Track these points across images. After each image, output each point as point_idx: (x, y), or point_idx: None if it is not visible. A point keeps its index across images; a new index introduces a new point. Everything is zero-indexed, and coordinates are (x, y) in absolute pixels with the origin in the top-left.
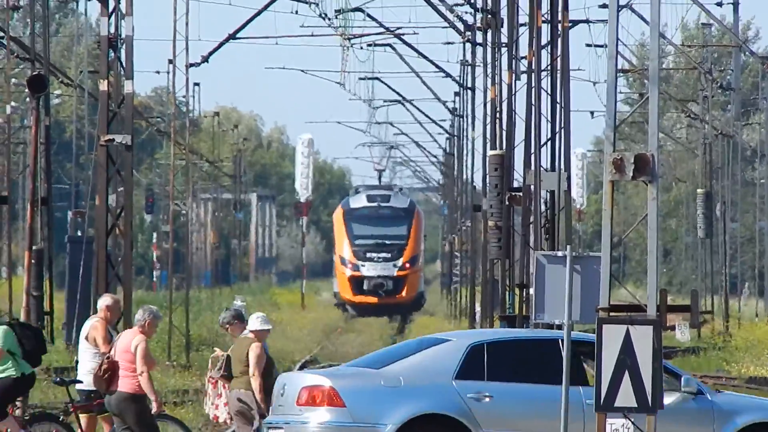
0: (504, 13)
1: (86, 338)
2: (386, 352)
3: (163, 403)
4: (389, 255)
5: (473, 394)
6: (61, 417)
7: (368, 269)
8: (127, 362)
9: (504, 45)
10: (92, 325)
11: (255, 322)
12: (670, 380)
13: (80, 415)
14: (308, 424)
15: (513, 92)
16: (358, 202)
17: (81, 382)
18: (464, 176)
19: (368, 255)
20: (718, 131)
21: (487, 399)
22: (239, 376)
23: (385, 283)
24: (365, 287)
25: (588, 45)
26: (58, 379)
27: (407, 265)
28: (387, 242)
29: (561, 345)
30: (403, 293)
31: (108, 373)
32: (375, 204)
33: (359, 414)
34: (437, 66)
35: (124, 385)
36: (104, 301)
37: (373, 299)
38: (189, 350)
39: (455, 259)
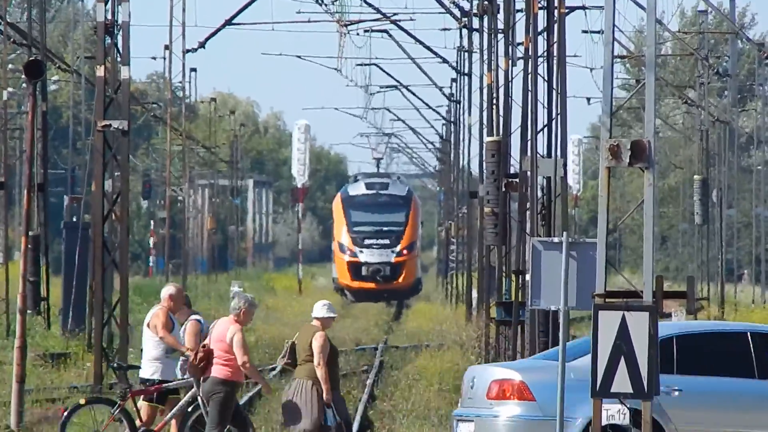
0: None
1: (148, 326)
2: (574, 346)
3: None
4: (387, 241)
5: (663, 387)
6: (118, 402)
7: (366, 255)
8: (220, 350)
9: (500, 31)
10: (155, 313)
11: (320, 309)
12: None
13: (141, 404)
14: (498, 418)
15: (509, 78)
16: (357, 189)
17: (139, 368)
18: (461, 162)
19: (366, 241)
20: (715, 118)
21: (677, 393)
22: (303, 363)
23: (382, 269)
24: (363, 273)
25: (585, 31)
26: (116, 364)
27: (405, 251)
28: (385, 229)
29: (750, 337)
30: (401, 279)
31: (203, 362)
32: (373, 192)
33: (549, 408)
34: (434, 52)
35: (217, 371)
36: (168, 290)
37: (371, 285)
38: None
39: (452, 246)
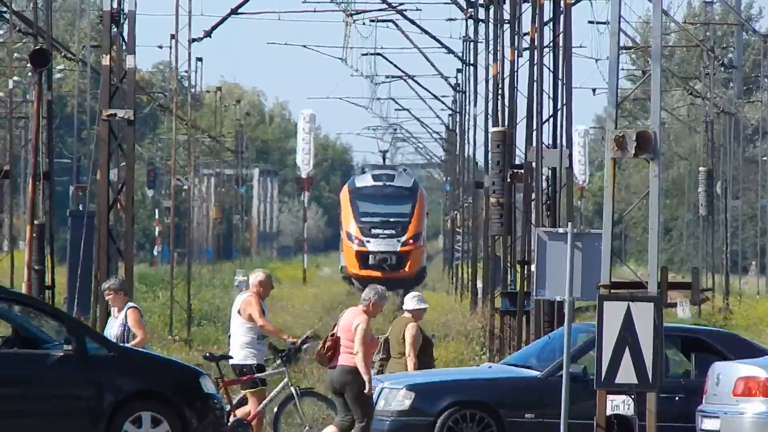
0: None
1: (239, 312)
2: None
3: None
4: (393, 231)
5: None
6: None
7: (373, 245)
8: (347, 340)
9: (506, 21)
10: (245, 300)
11: (411, 301)
12: None
13: (246, 392)
14: (744, 415)
15: (515, 69)
16: (364, 181)
17: (231, 357)
18: (466, 153)
19: (373, 231)
20: (720, 109)
21: None
22: (398, 357)
23: (389, 258)
24: (370, 262)
25: (591, 22)
26: (207, 354)
27: (410, 241)
28: (391, 219)
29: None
30: (407, 268)
31: (330, 350)
32: (380, 183)
33: None
34: (440, 42)
35: (344, 359)
36: (257, 276)
37: (377, 273)
38: (190, 325)
39: (457, 236)
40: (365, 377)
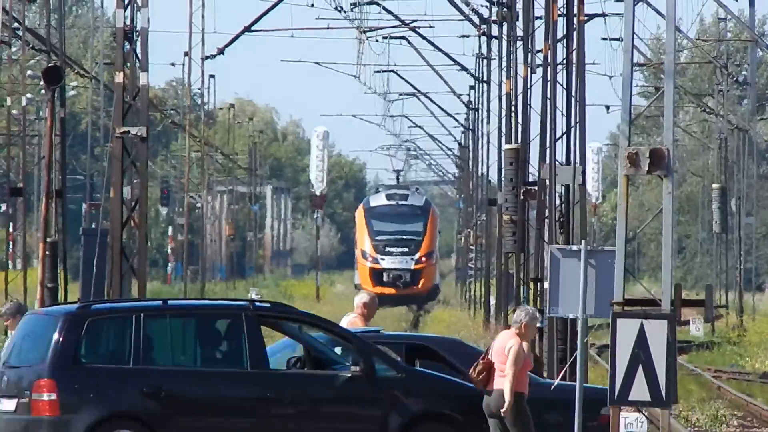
0: (519, 6)
1: None
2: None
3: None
4: (407, 249)
5: None
6: None
7: (387, 262)
8: (501, 363)
9: (519, 38)
10: (351, 322)
11: (519, 314)
12: None
13: None
14: None
15: (528, 86)
16: (378, 200)
17: None
18: (479, 170)
19: (387, 249)
20: (734, 126)
21: None
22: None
23: (402, 275)
24: (384, 279)
25: (604, 39)
26: None
27: (423, 258)
28: (405, 237)
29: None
30: (420, 285)
31: (483, 373)
32: (394, 202)
33: None
34: (452, 59)
35: (500, 383)
36: (361, 297)
37: (391, 290)
38: None
39: (470, 253)
40: (507, 397)
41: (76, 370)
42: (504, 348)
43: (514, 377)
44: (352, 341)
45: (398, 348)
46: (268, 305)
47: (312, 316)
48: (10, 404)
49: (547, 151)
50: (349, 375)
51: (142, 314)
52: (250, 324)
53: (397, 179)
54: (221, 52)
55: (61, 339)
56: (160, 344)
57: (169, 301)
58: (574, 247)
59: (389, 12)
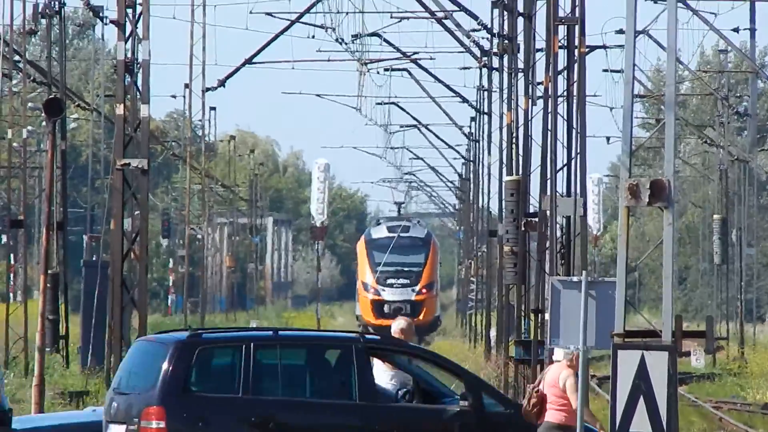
0: (521, 38)
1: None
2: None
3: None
4: (408, 281)
5: None
6: None
7: (389, 294)
8: (554, 395)
9: (520, 70)
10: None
11: (561, 353)
12: None
13: None
14: None
15: (529, 117)
16: (380, 232)
17: None
18: (480, 201)
19: (389, 281)
20: (734, 157)
21: None
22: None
23: (404, 306)
24: (386, 310)
25: (605, 70)
26: None
27: (424, 290)
28: (406, 269)
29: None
30: (421, 316)
31: (536, 407)
32: (395, 234)
33: None
34: (453, 91)
35: (552, 416)
36: (399, 324)
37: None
38: None
39: (471, 285)
40: (594, 425)
41: (186, 398)
42: (557, 380)
43: (581, 404)
44: (461, 375)
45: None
46: (378, 338)
47: (421, 350)
48: (119, 430)
49: (548, 182)
50: (458, 409)
51: (252, 344)
52: (359, 356)
53: (399, 211)
54: (222, 84)
55: (171, 367)
56: (270, 374)
57: (280, 331)
58: (575, 279)
59: (390, 44)
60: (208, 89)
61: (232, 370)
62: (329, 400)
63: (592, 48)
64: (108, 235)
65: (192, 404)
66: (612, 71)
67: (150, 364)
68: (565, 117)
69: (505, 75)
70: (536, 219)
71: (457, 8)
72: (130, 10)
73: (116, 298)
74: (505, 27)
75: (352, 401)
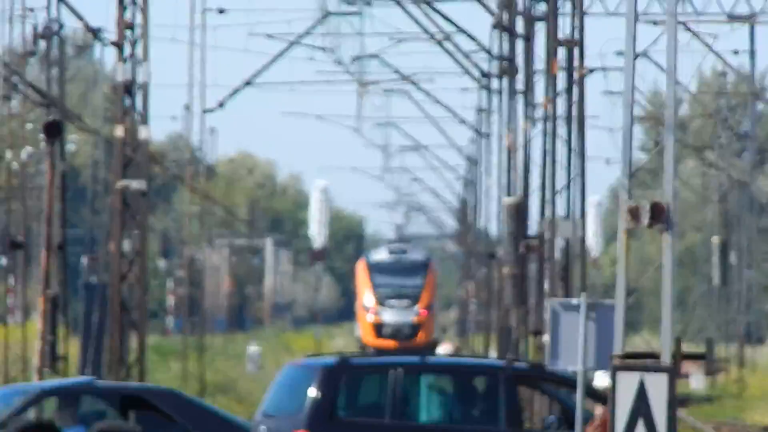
0: (520, 60)
1: None
2: None
3: None
4: (407, 303)
5: None
6: None
7: (388, 315)
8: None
9: (520, 92)
10: None
11: (602, 378)
12: None
13: None
14: None
15: (529, 139)
16: (379, 255)
17: None
18: (479, 223)
19: (388, 303)
20: (734, 179)
21: None
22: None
23: (403, 328)
24: (385, 332)
25: (604, 92)
26: None
27: (423, 311)
28: (405, 291)
29: None
30: (419, 337)
31: (599, 429)
32: (394, 257)
33: None
34: (453, 112)
35: None
36: (446, 348)
37: (392, 343)
38: (204, 396)
39: (470, 307)
40: None
41: (333, 423)
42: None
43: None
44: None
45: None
46: (526, 366)
47: (570, 379)
48: None
49: (548, 204)
50: None
51: (400, 369)
52: (507, 384)
53: (398, 235)
54: (221, 105)
55: (318, 391)
56: (417, 400)
57: (428, 358)
58: (575, 301)
59: (390, 65)
60: (207, 111)
61: (380, 396)
62: (476, 427)
63: (592, 70)
64: (107, 256)
65: (339, 429)
66: (611, 93)
67: (298, 388)
68: (565, 139)
69: (505, 96)
70: (536, 241)
71: (456, 30)
72: (129, 32)
73: (115, 320)
74: (505, 49)
75: (498, 428)
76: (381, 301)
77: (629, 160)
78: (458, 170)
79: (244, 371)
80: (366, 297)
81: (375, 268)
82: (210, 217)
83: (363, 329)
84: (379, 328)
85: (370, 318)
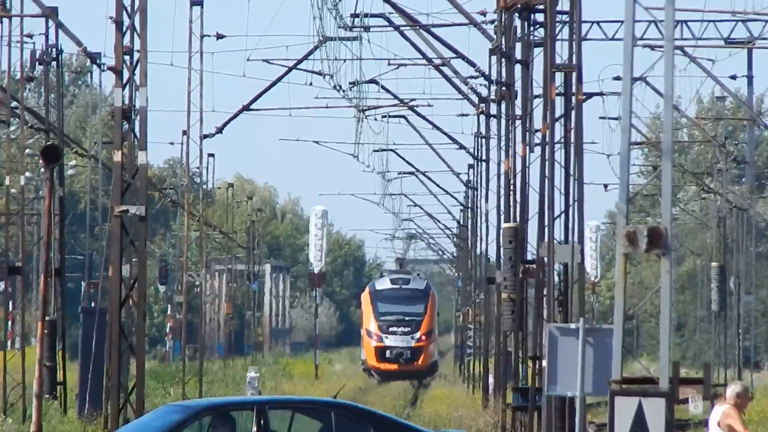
0: (518, 85)
1: (719, 425)
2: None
3: None
4: (408, 329)
5: None
6: None
7: (391, 341)
8: None
9: (518, 117)
10: (725, 412)
11: (732, 389)
12: None
13: None
14: None
15: (527, 164)
16: (383, 284)
17: None
18: (478, 248)
19: (391, 329)
20: (732, 204)
21: None
22: None
23: (404, 352)
24: (388, 356)
25: (602, 117)
26: None
27: (423, 337)
28: (407, 318)
29: None
30: (420, 361)
31: None
32: (397, 286)
33: None
34: (451, 138)
35: None
36: (734, 388)
37: (394, 366)
38: None
39: (468, 331)
40: None
41: None
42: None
43: None
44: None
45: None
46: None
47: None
48: None
49: (546, 229)
50: None
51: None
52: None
53: (400, 265)
54: (220, 131)
55: None
56: None
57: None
58: (573, 326)
59: (388, 91)
60: (206, 136)
61: None
62: None
63: (590, 95)
64: (106, 281)
65: None
66: (609, 118)
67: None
68: (563, 164)
69: (503, 122)
70: (534, 266)
71: (454, 55)
72: (127, 57)
73: (114, 345)
74: (503, 74)
75: None
76: (384, 328)
77: (626, 184)
78: (457, 196)
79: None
80: (370, 323)
81: (378, 297)
82: (208, 243)
83: (367, 353)
84: (382, 353)
85: (374, 343)
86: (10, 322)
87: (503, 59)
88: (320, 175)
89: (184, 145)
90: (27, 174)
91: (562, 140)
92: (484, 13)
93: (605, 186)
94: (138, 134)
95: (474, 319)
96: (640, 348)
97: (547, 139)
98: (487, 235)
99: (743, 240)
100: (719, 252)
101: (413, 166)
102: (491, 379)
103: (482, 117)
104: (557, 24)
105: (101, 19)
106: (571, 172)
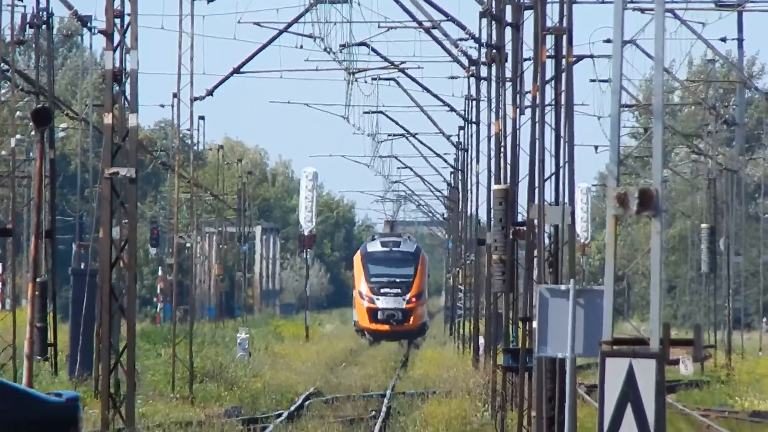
0: (509, 48)
1: None
2: None
3: None
4: (399, 291)
5: None
6: None
7: (382, 302)
8: None
9: (508, 80)
10: None
11: None
12: None
13: None
14: None
15: (517, 127)
16: (374, 247)
17: None
18: (468, 210)
19: (382, 290)
20: (723, 166)
21: None
22: None
23: (395, 313)
24: (379, 317)
25: (593, 80)
26: None
27: (413, 299)
28: (397, 280)
29: None
30: (410, 322)
31: None
32: (388, 249)
33: None
34: (441, 100)
35: None
36: None
37: (385, 327)
38: (192, 383)
39: (459, 293)
40: None
41: None
42: None
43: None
44: None
45: None
46: None
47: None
48: None
49: (536, 191)
50: None
51: None
52: None
53: (390, 227)
54: (210, 93)
55: None
56: None
57: None
58: (563, 287)
59: (378, 53)
60: (196, 98)
61: None
62: None
63: (580, 57)
64: (96, 243)
65: None
66: (600, 81)
67: None
68: (553, 126)
69: (493, 84)
70: (524, 228)
71: (445, 18)
72: (118, 20)
73: (105, 307)
74: (493, 37)
75: None
76: (375, 289)
77: (617, 146)
78: (447, 158)
79: (234, 358)
80: (361, 285)
81: (370, 259)
82: (199, 205)
83: (359, 314)
84: (373, 314)
85: (365, 304)
86: (0, 284)
87: (493, 22)
88: (311, 138)
89: (175, 108)
90: (18, 136)
91: (553, 102)
92: None
93: (596, 148)
94: (129, 97)
95: (464, 280)
96: (630, 309)
97: (537, 102)
98: (477, 197)
99: (733, 201)
100: (709, 213)
101: (404, 128)
102: (482, 340)
103: (472, 79)
104: None
105: None
106: (562, 134)
